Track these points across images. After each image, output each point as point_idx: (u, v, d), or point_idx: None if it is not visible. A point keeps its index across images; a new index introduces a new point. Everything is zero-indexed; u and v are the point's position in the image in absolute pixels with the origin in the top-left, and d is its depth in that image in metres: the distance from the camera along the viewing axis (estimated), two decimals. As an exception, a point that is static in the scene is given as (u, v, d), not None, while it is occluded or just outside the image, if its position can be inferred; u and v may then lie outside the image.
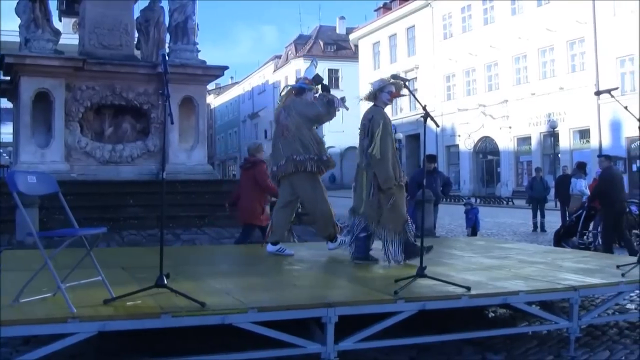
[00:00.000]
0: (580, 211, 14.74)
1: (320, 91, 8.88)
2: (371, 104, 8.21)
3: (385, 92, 8.06)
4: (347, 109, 7.24)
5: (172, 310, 4.82)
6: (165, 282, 5.18)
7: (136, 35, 18.64)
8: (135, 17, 18.55)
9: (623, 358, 6.29)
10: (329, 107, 8.54)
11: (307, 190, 8.58)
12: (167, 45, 18.33)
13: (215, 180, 18.11)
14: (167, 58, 16.81)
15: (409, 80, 7.22)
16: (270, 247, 8.69)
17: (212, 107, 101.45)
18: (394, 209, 7.76)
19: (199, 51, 17.89)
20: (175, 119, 16.52)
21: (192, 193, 15.94)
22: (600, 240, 13.90)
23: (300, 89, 8.66)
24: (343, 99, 6.93)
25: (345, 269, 7.58)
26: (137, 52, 18.76)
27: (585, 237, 14.50)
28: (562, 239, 14.45)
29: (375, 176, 7.66)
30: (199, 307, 4.91)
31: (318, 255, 9.05)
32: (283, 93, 8.93)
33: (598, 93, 9.69)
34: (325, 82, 8.87)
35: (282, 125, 8.48)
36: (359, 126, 8.05)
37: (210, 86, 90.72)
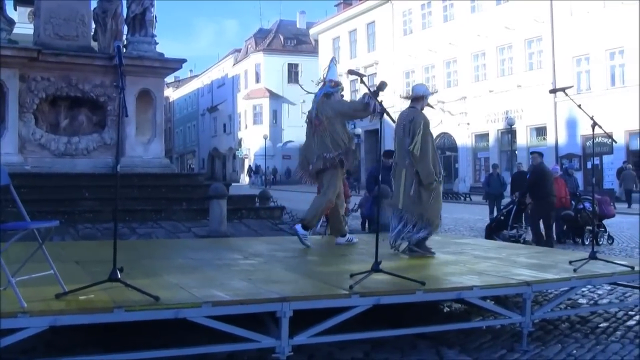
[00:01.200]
0: (511, 206, 15.13)
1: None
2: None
3: (426, 99, 8.73)
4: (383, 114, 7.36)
5: (126, 305, 4.77)
6: (119, 276, 5.13)
7: (93, 26, 18.35)
8: (92, 8, 18.27)
9: (574, 351, 6.37)
10: (366, 106, 9.14)
11: (327, 179, 9.28)
12: (124, 37, 18.10)
13: (172, 174, 17.95)
14: (124, 50, 16.69)
15: (365, 76, 7.28)
16: (300, 230, 9.29)
17: (171, 100, 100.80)
18: (435, 203, 8.45)
19: (157, 43, 17.70)
20: (132, 112, 16.36)
21: (149, 187, 15.78)
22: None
23: (329, 94, 9.33)
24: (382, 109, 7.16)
25: (301, 264, 7.59)
26: (94, 44, 18.50)
27: (516, 230, 15.05)
28: (493, 232, 14.78)
29: (416, 173, 8.24)
30: (153, 301, 4.86)
31: (274, 249, 9.05)
32: (314, 100, 9.49)
33: (553, 91, 9.81)
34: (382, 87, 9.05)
35: (315, 123, 9.15)
36: (401, 128, 8.50)
37: (169, 79, 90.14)
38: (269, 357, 5.28)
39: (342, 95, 9.70)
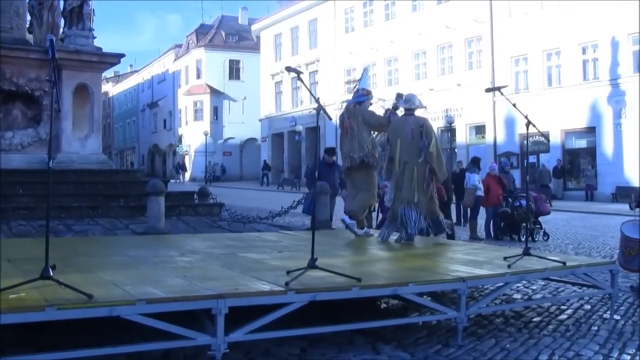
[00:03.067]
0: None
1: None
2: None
3: (422, 106, 10.22)
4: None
5: (58, 303, 4.68)
6: (52, 273, 5.03)
7: (29, 18, 17.97)
8: (27, 0, 17.90)
9: (507, 345, 6.48)
10: (389, 121, 10.32)
11: (361, 178, 10.26)
12: (61, 30, 17.76)
13: (110, 170, 17.67)
14: (60, 43, 16.36)
15: (302, 73, 7.39)
16: (347, 220, 10.40)
17: (110, 95, 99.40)
18: (435, 197, 9.78)
19: (94, 37, 17.39)
20: (69, 106, 16.08)
21: (86, 183, 15.51)
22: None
23: (361, 102, 10.27)
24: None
25: (237, 261, 7.55)
26: (29, 37, 18.11)
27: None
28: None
29: (429, 170, 9.36)
30: (86, 299, 4.78)
31: (211, 246, 9.00)
32: (347, 106, 10.54)
33: (489, 90, 9.93)
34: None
35: (347, 127, 10.10)
36: (407, 132, 9.54)
37: (109, 74, 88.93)
38: (205, 355, 5.25)
39: (371, 103, 10.63)
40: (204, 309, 5.24)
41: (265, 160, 61.51)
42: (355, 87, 10.80)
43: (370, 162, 10.13)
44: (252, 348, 5.89)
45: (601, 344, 6.65)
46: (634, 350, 6.44)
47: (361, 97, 10.30)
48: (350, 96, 10.94)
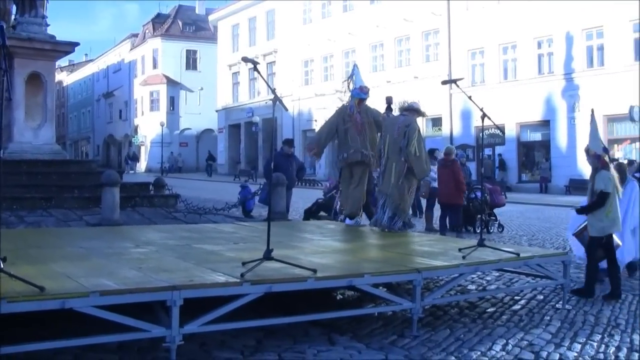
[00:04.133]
0: (333, 191, 15.73)
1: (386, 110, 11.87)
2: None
3: (418, 114, 10.56)
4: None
5: (8, 296, 4.59)
6: (2, 266, 4.93)
7: (-21, 5, 17.62)
8: (-21, -13, 17.54)
9: (462, 336, 6.55)
10: None
11: (359, 173, 10.81)
12: (12, 17, 17.43)
13: (63, 160, 17.41)
14: (11, 30, 16.04)
15: (258, 63, 7.37)
16: (348, 221, 11.04)
17: (65, 84, 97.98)
18: (410, 195, 10.35)
19: (48, 25, 17.10)
20: (21, 95, 15.80)
21: (39, 174, 15.28)
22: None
23: (363, 99, 10.94)
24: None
25: (192, 252, 7.51)
26: (-20, 24, 17.72)
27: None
28: (312, 215, 15.15)
29: (407, 169, 9.81)
30: (38, 291, 4.71)
31: (167, 237, 8.93)
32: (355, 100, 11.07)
33: (445, 82, 10.05)
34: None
35: (358, 123, 10.64)
36: (395, 130, 10.06)
37: (63, 63, 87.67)
38: (160, 347, 5.22)
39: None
40: (159, 301, 5.20)
41: (209, 151, 61.20)
42: (348, 82, 11.47)
43: (372, 162, 10.74)
44: (208, 340, 5.86)
45: (553, 333, 6.76)
46: (584, 339, 6.55)
47: (364, 95, 10.98)
48: (345, 92, 11.58)
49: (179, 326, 5.15)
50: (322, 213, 15.23)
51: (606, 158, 8.86)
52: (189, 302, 5.25)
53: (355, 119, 10.71)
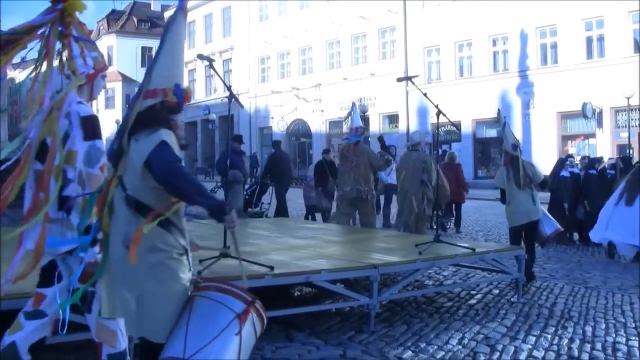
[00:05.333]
0: (255, 186, 16.51)
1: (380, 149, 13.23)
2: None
3: (424, 142, 11.94)
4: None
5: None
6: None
7: None
8: None
9: (419, 330, 6.63)
10: (388, 162, 13.14)
11: (365, 209, 11.53)
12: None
13: (18, 159, 17.10)
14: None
15: (214, 61, 7.34)
16: None
17: (17, 81, 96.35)
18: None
19: (-1, 21, 16.84)
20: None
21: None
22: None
23: (359, 141, 11.58)
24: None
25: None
26: None
27: (258, 207, 16.37)
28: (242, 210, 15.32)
29: (427, 199, 10.84)
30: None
31: (124, 236, 8.84)
32: (348, 143, 11.77)
33: (400, 80, 10.10)
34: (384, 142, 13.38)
35: (352, 162, 11.33)
36: (410, 166, 11.05)
37: (15, 59, 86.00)
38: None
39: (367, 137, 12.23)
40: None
41: None
42: (347, 121, 12.28)
43: (370, 198, 11.45)
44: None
45: (508, 326, 6.87)
46: (539, 332, 6.66)
47: (359, 136, 11.60)
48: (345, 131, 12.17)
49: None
50: (249, 209, 15.34)
51: (517, 153, 9.69)
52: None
53: (351, 161, 11.41)
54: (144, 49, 70.33)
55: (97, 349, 4.13)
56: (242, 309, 3.58)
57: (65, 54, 4.28)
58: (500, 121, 11.51)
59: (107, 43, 70.47)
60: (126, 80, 68.66)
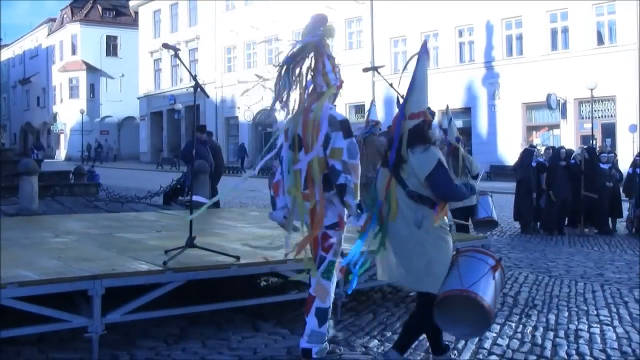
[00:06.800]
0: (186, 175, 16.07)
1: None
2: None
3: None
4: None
5: None
6: None
7: None
8: None
9: (385, 319, 6.66)
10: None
11: None
12: None
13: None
14: None
15: (179, 50, 7.39)
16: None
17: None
18: None
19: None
20: None
21: (-48, 163, 14.82)
22: None
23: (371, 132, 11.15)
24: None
25: (114, 241, 7.42)
26: None
27: (189, 195, 15.80)
28: (171, 199, 15.33)
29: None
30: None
31: (88, 227, 8.81)
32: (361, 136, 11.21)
33: (366, 70, 10.15)
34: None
35: (364, 153, 10.62)
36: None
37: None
38: (82, 337, 5.15)
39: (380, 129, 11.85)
40: (80, 291, 5.13)
41: (96, 139, 60.59)
42: (367, 117, 11.78)
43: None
44: (131, 329, 5.82)
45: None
46: (503, 320, 6.74)
47: (371, 129, 11.25)
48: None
49: (100, 316, 5.10)
50: (180, 197, 15.36)
51: (459, 145, 10.62)
52: (111, 292, 5.20)
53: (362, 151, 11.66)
54: (108, 37, 69.59)
55: (309, 300, 5.32)
56: (493, 263, 4.86)
57: (319, 69, 5.45)
58: (448, 115, 12.36)
59: (70, 31, 69.64)
60: (90, 69, 67.90)
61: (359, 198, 5.13)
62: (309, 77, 5.52)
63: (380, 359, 5.30)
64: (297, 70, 5.51)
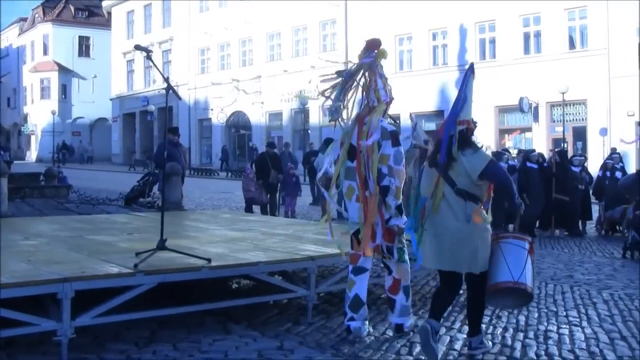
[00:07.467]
0: (147, 177, 16.40)
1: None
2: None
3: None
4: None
5: None
6: None
7: None
8: None
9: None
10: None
11: None
12: None
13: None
14: None
15: (152, 52, 7.42)
16: None
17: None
18: None
19: None
20: None
21: None
22: None
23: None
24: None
25: (85, 244, 7.37)
26: None
27: (150, 197, 15.93)
28: (132, 200, 15.33)
29: None
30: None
31: (58, 229, 8.74)
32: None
33: (340, 73, 10.12)
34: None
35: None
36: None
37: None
38: (52, 341, 5.11)
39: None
40: (49, 294, 5.09)
41: (63, 140, 60.10)
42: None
43: None
44: (101, 332, 5.79)
45: (445, 316, 6.92)
46: (489, 318, 6.77)
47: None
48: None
49: (70, 319, 5.07)
50: (141, 199, 15.33)
51: (428, 147, 10.37)
52: (82, 295, 5.17)
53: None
54: (81, 38, 69.05)
55: (395, 283, 6.22)
56: (528, 247, 5.62)
57: (372, 86, 6.41)
58: (412, 121, 12.81)
59: (42, 31, 69.01)
60: (62, 70, 67.32)
61: (400, 199, 5.93)
62: (363, 93, 6.48)
63: (471, 353, 5.77)
64: (352, 86, 6.53)
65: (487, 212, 5.60)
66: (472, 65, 6.15)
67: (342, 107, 6.56)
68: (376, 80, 6.41)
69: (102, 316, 5.34)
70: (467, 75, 6.02)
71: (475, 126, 5.89)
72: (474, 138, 5.72)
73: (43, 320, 5.05)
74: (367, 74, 6.45)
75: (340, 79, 6.65)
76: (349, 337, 6.05)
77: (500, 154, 15.44)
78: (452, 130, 5.63)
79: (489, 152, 10.37)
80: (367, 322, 6.20)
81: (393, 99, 6.52)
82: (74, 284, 5.09)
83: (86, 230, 8.74)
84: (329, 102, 6.70)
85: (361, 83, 6.53)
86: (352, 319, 6.05)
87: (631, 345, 6.14)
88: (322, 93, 6.78)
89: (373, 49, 6.56)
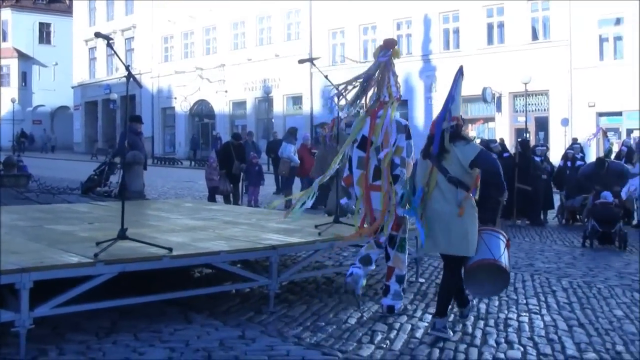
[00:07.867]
0: (103, 166, 16.38)
1: None
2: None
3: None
4: None
5: None
6: None
7: None
8: None
9: (318, 310, 6.72)
10: None
11: None
12: None
13: None
14: None
15: (112, 40, 7.34)
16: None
17: None
18: None
19: None
20: None
21: None
22: None
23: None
24: None
25: (44, 233, 7.29)
26: None
27: (106, 186, 15.94)
28: (88, 189, 15.33)
29: None
30: None
31: (17, 219, 8.62)
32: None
33: (302, 61, 10.13)
34: None
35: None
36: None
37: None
38: (10, 332, 5.05)
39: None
40: (7, 284, 5.02)
41: (22, 128, 59.41)
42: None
43: None
44: (61, 323, 5.73)
45: (406, 304, 7.01)
46: (434, 310, 6.83)
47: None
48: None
49: (28, 310, 5.01)
50: (98, 188, 15.27)
51: None
52: (41, 285, 5.11)
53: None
54: (41, 24, 67.95)
55: (389, 270, 6.70)
56: (505, 239, 6.20)
57: (385, 82, 6.84)
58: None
59: (1, 17, 67.73)
60: (22, 57, 66.25)
61: (407, 188, 6.20)
62: (374, 88, 6.91)
63: (432, 334, 5.95)
64: (372, 85, 6.93)
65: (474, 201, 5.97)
66: (461, 67, 6.69)
67: (357, 109, 7.21)
68: (389, 77, 6.87)
69: (62, 306, 5.29)
70: (457, 77, 6.50)
71: (464, 122, 6.43)
72: (466, 133, 6.30)
73: (1, 311, 4.98)
74: (382, 70, 6.90)
75: (359, 81, 7.09)
76: (347, 279, 6.66)
77: (489, 142, 15.65)
78: (444, 125, 6.05)
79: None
80: (365, 281, 6.84)
81: (401, 96, 7.08)
82: (32, 274, 5.03)
83: (46, 219, 8.65)
84: (343, 101, 7.22)
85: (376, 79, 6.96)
86: (357, 267, 6.62)
87: (589, 332, 6.24)
88: (337, 87, 7.23)
89: (389, 47, 6.96)
